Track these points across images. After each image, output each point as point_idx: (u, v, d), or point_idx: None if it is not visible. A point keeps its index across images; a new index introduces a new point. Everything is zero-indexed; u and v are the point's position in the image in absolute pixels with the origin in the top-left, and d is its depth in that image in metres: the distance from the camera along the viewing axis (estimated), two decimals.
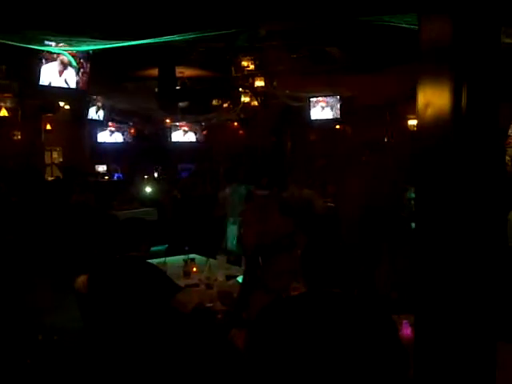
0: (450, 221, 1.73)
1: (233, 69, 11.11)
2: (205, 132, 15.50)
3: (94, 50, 7.31)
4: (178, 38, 6.45)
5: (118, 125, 14.56)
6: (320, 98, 12.13)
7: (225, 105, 14.36)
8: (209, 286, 4.72)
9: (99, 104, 12.84)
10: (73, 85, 7.60)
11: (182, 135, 15.13)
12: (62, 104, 13.30)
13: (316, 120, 12.43)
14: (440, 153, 1.73)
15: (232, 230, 7.65)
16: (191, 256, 5.49)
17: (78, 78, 7.61)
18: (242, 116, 14.43)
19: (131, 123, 14.97)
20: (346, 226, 5.33)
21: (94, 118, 13.03)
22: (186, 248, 5.60)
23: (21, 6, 5.62)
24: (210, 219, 8.81)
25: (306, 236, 3.67)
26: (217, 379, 3.53)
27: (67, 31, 6.42)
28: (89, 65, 7.57)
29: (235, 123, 16.29)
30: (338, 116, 12.20)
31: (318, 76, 10.40)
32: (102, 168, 15.63)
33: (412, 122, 12.23)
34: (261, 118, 13.87)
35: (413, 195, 5.38)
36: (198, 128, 15.32)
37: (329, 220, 8.03)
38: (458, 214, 1.70)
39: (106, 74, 9.75)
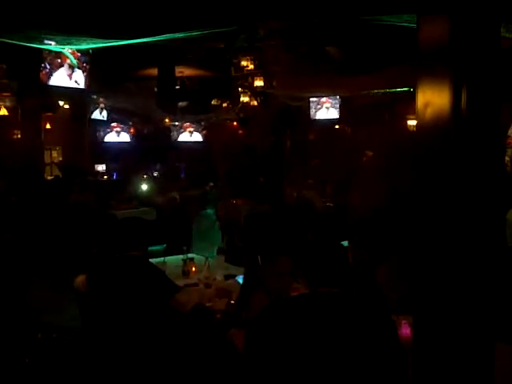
0: (449, 220, 1.73)
1: (232, 68, 11.11)
2: (204, 132, 15.50)
3: (93, 50, 7.32)
4: (176, 37, 6.44)
5: (122, 125, 14.56)
6: (324, 99, 12.11)
7: (224, 104, 14.36)
8: (208, 286, 4.72)
9: (102, 105, 12.84)
10: (81, 85, 7.65)
11: (189, 135, 15.08)
12: (61, 103, 13.30)
13: (319, 120, 12.38)
14: (440, 152, 1.73)
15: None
16: (190, 255, 5.50)
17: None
18: (241, 115, 14.43)
19: (131, 123, 14.96)
20: (356, 226, 5.33)
21: (97, 118, 13.04)
22: (185, 248, 5.60)
23: (21, 5, 5.62)
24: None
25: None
26: (215, 379, 3.53)
27: (67, 30, 6.41)
28: (88, 64, 7.57)
29: (234, 123, 16.30)
30: (338, 116, 12.19)
31: (317, 76, 10.39)
32: (101, 167, 15.63)
33: (411, 122, 12.24)
34: (260, 118, 13.88)
35: None
36: (197, 127, 15.32)
37: (329, 220, 8.03)
38: (458, 214, 1.71)
39: (106, 74, 9.74)
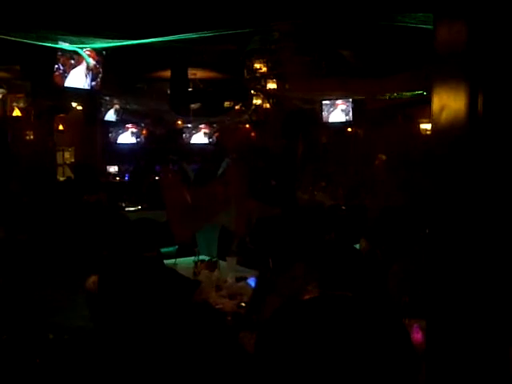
0: (464, 225, 1.71)
1: (245, 71, 11.11)
2: (217, 134, 15.51)
3: (107, 51, 7.35)
4: (190, 37, 6.46)
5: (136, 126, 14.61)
6: (336, 102, 12.06)
7: (237, 107, 14.36)
8: (218, 288, 4.72)
9: (117, 106, 12.89)
10: (95, 86, 7.68)
11: (202, 137, 15.10)
12: (74, 104, 13.36)
13: (332, 123, 12.33)
14: (456, 156, 1.72)
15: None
16: (201, 257, 5.50)
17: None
18: (253, 118, 14.43)
19: (143, 124, 15.01)
20: (370, 227, 5.31)
21: (110, 119, 13.09)
22: (196, 249, 5.60)
23: (35, 6, 5.66)
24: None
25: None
26: (225, 381, 3.52)
27: (81, 30, 6.45)
28: (102, 66, 7.60)
29: (247, 125, 16.30)
30: (351, 119, 12.16)
31: (330, 79, 10.37)
32: (113, 169, 15.69)
33: (424, 126, 12.20)
34: (272, 120, 13.87)
35: None
36: (210, 130, 15.35)
37: (343, 222, 8.00)
38: (474, 218, 1.69)
39: (119, 76, 9.78)
